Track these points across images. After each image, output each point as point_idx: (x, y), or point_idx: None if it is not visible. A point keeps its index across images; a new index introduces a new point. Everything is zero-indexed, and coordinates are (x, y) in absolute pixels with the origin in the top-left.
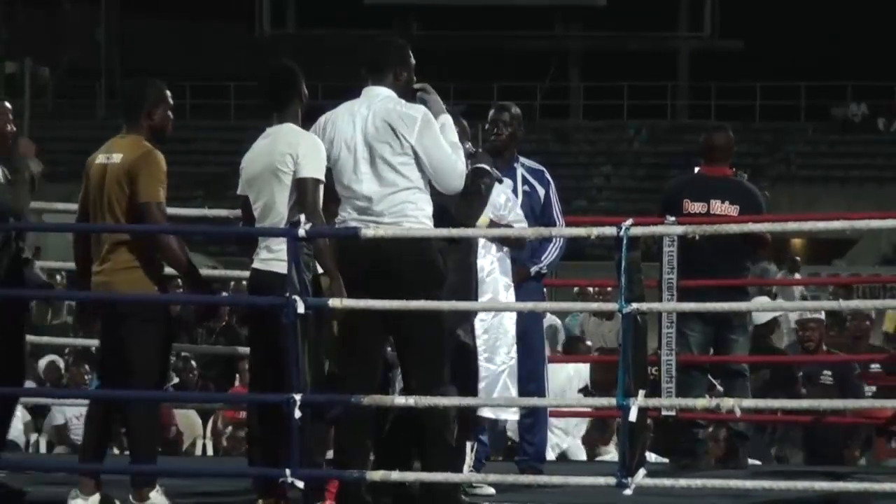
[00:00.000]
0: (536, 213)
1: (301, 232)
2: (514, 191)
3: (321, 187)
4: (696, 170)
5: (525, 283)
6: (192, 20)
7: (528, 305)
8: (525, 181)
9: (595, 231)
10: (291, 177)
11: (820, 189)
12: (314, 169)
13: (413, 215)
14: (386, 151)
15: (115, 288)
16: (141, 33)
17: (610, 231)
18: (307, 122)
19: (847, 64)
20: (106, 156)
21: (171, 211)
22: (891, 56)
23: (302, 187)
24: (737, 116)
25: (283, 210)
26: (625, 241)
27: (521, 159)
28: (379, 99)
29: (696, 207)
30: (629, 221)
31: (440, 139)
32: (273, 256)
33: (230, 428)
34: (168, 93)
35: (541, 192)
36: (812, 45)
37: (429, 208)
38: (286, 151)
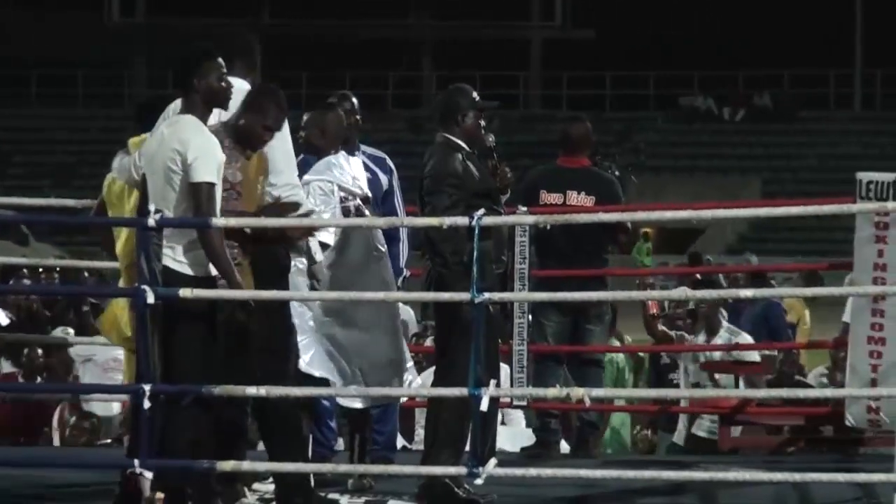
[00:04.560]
0: (378, 200)
1: (151, 222)
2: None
3: (215, 190)
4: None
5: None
6: (39, 6)
7: (380, 296)
8: (367, 168)
9: (447, 221)
10: (179, 177)
11: (668, 178)
12: (206, 172)
13: None
14: None
15: None
16: None
17: (462, 221)
18: (152, 114)
19: (694, 54)
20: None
21: (16, 201)
22: (736, 46)
23: (195, 192)
24: (588, 106)
25: (172, 210)
26: (476, 231)
27: (363, 147)
28: (235, 90)
29: (553, 198)
30: (481, 211)
31: (283, 140)
32: (171, 255)
33: (74, 418)
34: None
35: (383, 179)
36: (661, 35)
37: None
38: (176, 149)
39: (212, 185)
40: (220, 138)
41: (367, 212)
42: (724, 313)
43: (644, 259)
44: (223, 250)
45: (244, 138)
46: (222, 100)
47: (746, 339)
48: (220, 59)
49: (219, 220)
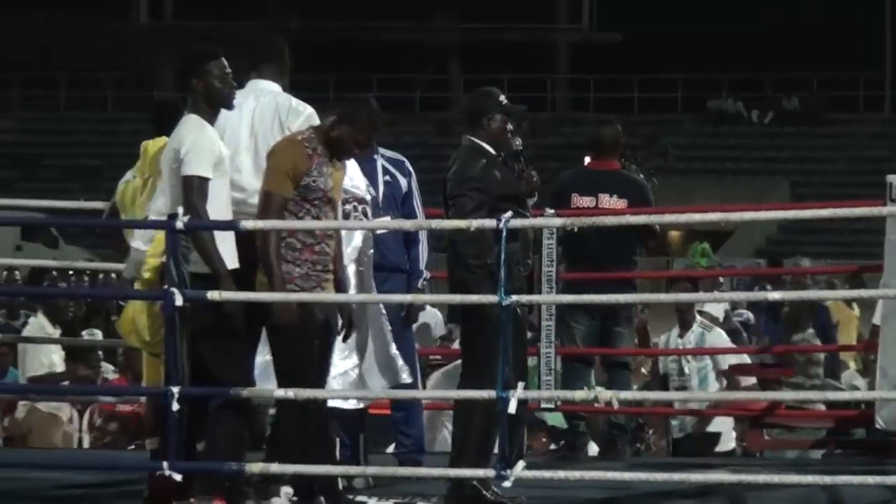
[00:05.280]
0: (398, 203)
1: (179, 224)
2: (375, 181)
3: (206, 185)
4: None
5: (391, 277)
6: (67, 11)
7: (408, 298)
8: (386, 171)
9: (475, 223)
10: (177, 172)
11: (696, 181)
12: (197, 166)
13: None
14: (272, 143)
15: None
16: (14, 24)
17: (490, 223)
18: (171, 116)
19: (722, 57)
20: None
21: (46, 203)
22: (764, 49)
23: (185, 185)
24: (615, 109)
25: (172, 205)
26: (504, 234)
27: (381, 150)
28: (266, 93)
29: (585, 202)
30: (509, 214)
31: None
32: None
33: (101, 420)
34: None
35: (402, 182)
36: (689, 38)
37: None
38: (174, 146)
39: (203, 179)
40: (313, 144)
41: (368, 213)
42: (750, 315)
43: (700, 260)
44: (214, 248)
45: (334, 148)
46: (224, 99)
47: (720, 334)
48: (223, 60)
49: (247, 223)
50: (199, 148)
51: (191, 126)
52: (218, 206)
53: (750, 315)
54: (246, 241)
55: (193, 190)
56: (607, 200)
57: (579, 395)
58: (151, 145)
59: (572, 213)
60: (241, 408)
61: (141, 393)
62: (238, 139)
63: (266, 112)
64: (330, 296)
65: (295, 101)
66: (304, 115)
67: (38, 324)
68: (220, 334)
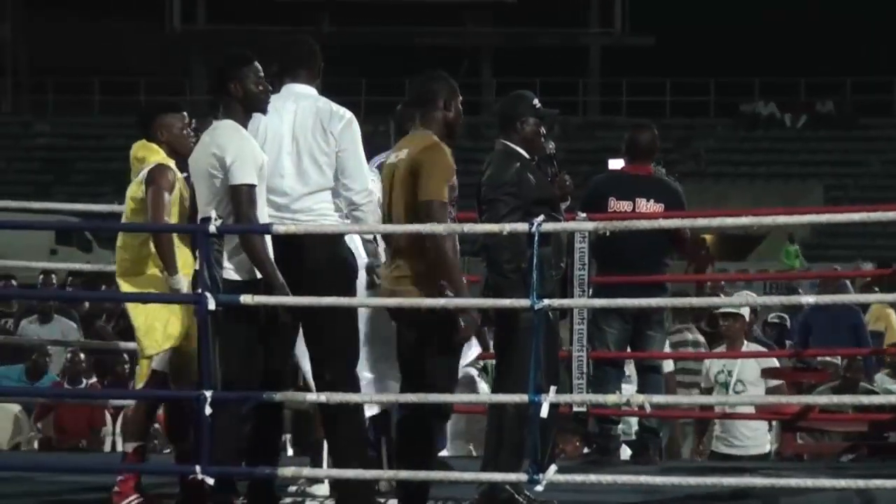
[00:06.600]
0: None
1: (212, 228)
2: None
3: (255, 192)
4: (618, 165)
5: None
6: (101, 16)
7: (440, 302)
8: None
9: (508, 227)
10: (220, 180)
11: (728, 185)
12: (244, 174)
13: (331, 215)
14: (314, 147)
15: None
16: (48, 29)
17: (522, 227)
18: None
19: (755, 60)
20: (395, 154)
21: (80, 207)
22: (797, 53)
23: (235, 195)
24: (647, 112)
25: (211, 212)
26: (536, 238)
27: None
28: (305, 96)
29: (623, 206)
30: (541, 218)
31: (359, 145)
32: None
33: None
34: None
35: None
36: (721, 41)
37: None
38: (215, 153)
39: (251, 186)
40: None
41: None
42: (787, 318)
43: (794, 262)
44: (266, 254)
45: (453, 131)
46: (261, 104)
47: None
48: (257, 64)
49: (279, 227)
50: (245, 156)
51: (230, 133)
52: (258, 213)
53: (786, 318)
54: (284, 248)
55: (244, 199)
56: (644, 205)
57: (611, 398)
58: (139, 147)
59: (608, 216)
60: (236, 412)
61: (170, 397)
62: (280, 143)
63: (307, 116)
64: (371, 300)
65: (335, 106)
66: (345, 120)
67: None
68: (244, 338)
